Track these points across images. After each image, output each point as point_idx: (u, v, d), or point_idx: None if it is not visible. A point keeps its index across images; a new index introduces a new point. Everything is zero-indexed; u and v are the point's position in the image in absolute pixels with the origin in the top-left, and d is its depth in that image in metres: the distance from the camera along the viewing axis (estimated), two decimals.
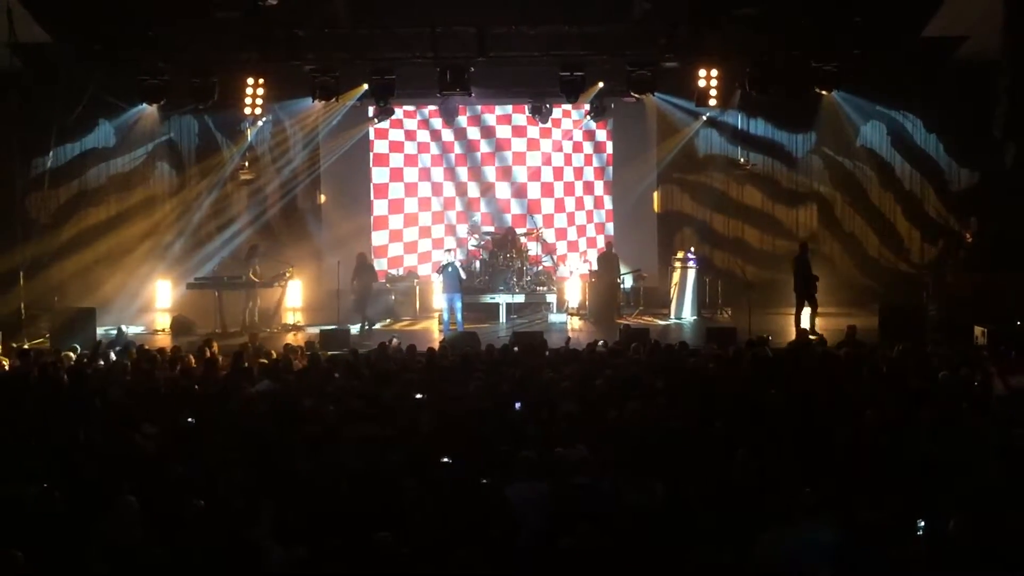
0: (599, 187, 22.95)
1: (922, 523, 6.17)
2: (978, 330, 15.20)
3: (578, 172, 22.97)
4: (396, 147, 22.55)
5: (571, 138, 22.78)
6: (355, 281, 19.16)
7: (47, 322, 18.11)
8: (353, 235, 21.68)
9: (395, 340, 14.79)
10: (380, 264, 22.09)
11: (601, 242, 22.22)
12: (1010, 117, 18.12)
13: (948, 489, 6.71)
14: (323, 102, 19.64)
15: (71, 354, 14.04)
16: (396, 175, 22.60)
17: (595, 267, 20.39)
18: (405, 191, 22.64)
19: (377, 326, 19.57)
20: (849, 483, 6.84)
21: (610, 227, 22.81)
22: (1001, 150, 18.58)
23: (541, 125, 22.26)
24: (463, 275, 19.17)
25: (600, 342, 14.81)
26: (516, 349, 14.08)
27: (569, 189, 22.94)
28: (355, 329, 18.49)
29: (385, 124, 21.91)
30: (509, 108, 22.48)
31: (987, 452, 7.66)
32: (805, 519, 6.18)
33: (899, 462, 7.42)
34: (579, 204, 23.01)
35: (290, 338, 17.78)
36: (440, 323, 19.21)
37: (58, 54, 17.98)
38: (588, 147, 22.93)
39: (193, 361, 13.13)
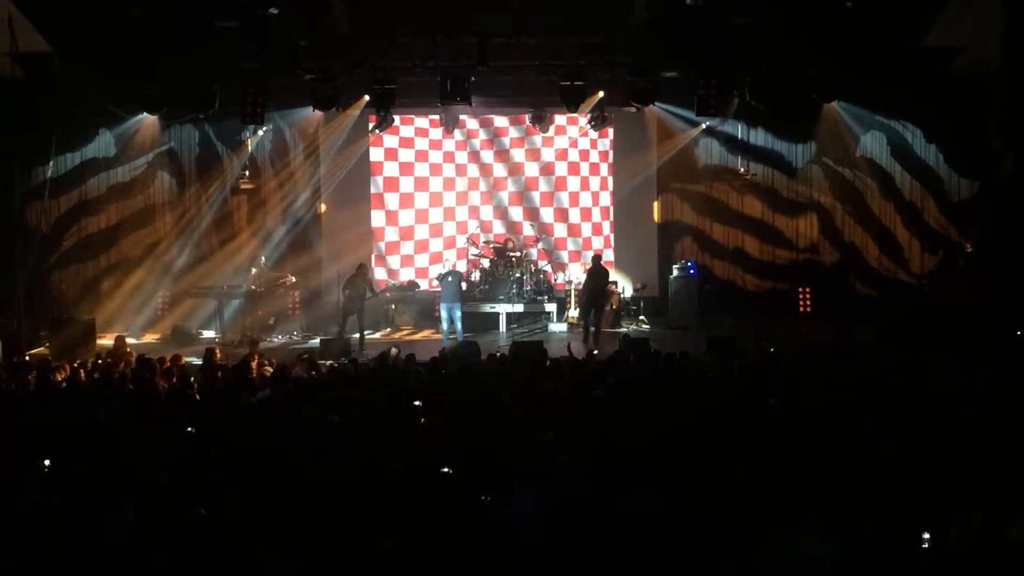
0: (604, 198, 22.91)
1: (927, 536, 6.12)
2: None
3: (584, 182, 22.92)
4: (395, 156, 22.55)
5: (576, 146, 22.76)
6: (346, 290, 19.06)
7: (47, 332, 18.11)
8: (353, 245, 21.69)
9: (394, 349, 14.78)
10: (380, 274, 22.15)
11: (609, 255, 22.31)
12: (1009, 127, 18.14)
13: (953, 501, 6.68)
14: (323, 111, 19.77)
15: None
16: (394, 185, 22.60)
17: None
18: (402, 202, 22.64)
19: (376, 334, 19.63)
20: (852, 494, 6.81)
21: (612, 238, 22.82)
22: (1000, 160, 18.59)
23: (542, 134, 22.32)
24: (463, 286, 19.18)
25: (595, 352, 14.82)
26: (516, 359, 14.06)
27: (574, 200, 22.90)
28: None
29: (385, 134, 21.91)
30: (510, 117, 22.48)
31: (990, 462, 7.63)
32: (807, 530, 6.15)
33: (902, 472, 7.39)
34: (585, 215, 22.94)
35: (291, 347, 17.79)
36: (440, 332, 19.20)
37: (58, 63, 17.98)
38: (590, 157, 22.90)
39: (193, 371, 13.15)
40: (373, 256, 22.32)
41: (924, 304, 18.77)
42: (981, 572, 5.76)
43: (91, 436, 9.00)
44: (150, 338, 19.86)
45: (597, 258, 19.77)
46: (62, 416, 9.91)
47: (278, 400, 10.84)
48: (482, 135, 22.72)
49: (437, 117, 21.96)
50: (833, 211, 22.02)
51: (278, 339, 19.46)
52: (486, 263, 21.32)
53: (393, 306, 21.22)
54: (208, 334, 19.58)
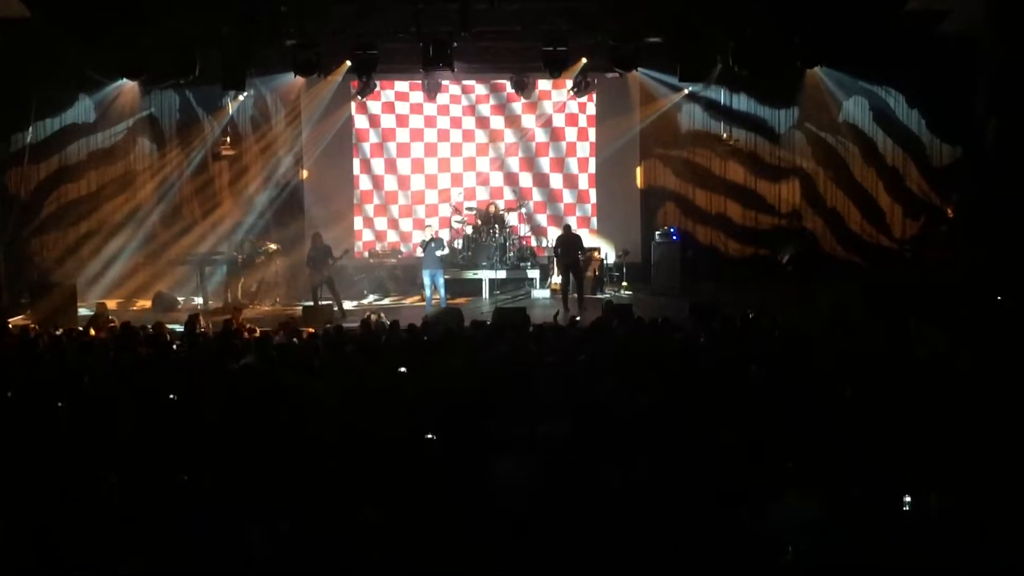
0: (590, 164, 22.81)
1: (908, 499, 6.16)
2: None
3: (570, 148, 22.82)
4: (377, 122, 22.47)
5: (564, 111, 22.66)
6: (309, 263, 18.96)
7: (27, 299, 18.05)
8: (337, 211, 21.72)
9: (374, 315, 14.80)
10: (367, 235, 22.16)
11: (592, 221, 22.38)
12: (992, 92, 18.14)
13: (933, 467, 6.73)
14: (305, 77, 19.68)
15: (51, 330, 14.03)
16: (377, 151, 22.53)
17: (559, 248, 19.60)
18: (385, 167, 22.58)
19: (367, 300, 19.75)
20: (834, 459, 6.85)
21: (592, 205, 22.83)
22: (983, 125, 18.60)
23: (524, 100, 22.24)
24: (445, 252, 19.11)
25: (578, 318, 14.85)
26: (499, 325, 14.06)
27: (557, 165, 22.83)
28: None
29: (368, 99, 21.82)
30: (492, 83, 22.39)
31: (969, 428, 7.67)
32: (789, 494, 6.18)
33: (883, 438, 7.43)
34: (570, 181, 22.86)
35: (273, 314, 17.76)
36: (423, 299, 19.20)
37: (37, 28, 17.82)
38: (578, 122, 22.79)
39: (176, 338, 13.12)
40: (361, 219, 22.33)
41: (906, 269, 18.84)
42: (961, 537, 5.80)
43: (73, 403, 8.97)
44: (132, 305, 19.79)
45: (567, 227, 19.75)
46: (45, 383, 9.88)
47: (261, 367, 10.83)
48: (464, 101, 22.64)
49: (419, 82, 21.86)
50: (816, 176, 22.04)
51: (260, 306, 19.40)
52: (469, 230, 21.32)
53: (376, 272, 21.20)
54: (191, 301, 19.54)
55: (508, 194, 22.48)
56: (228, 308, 18.19)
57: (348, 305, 18.87)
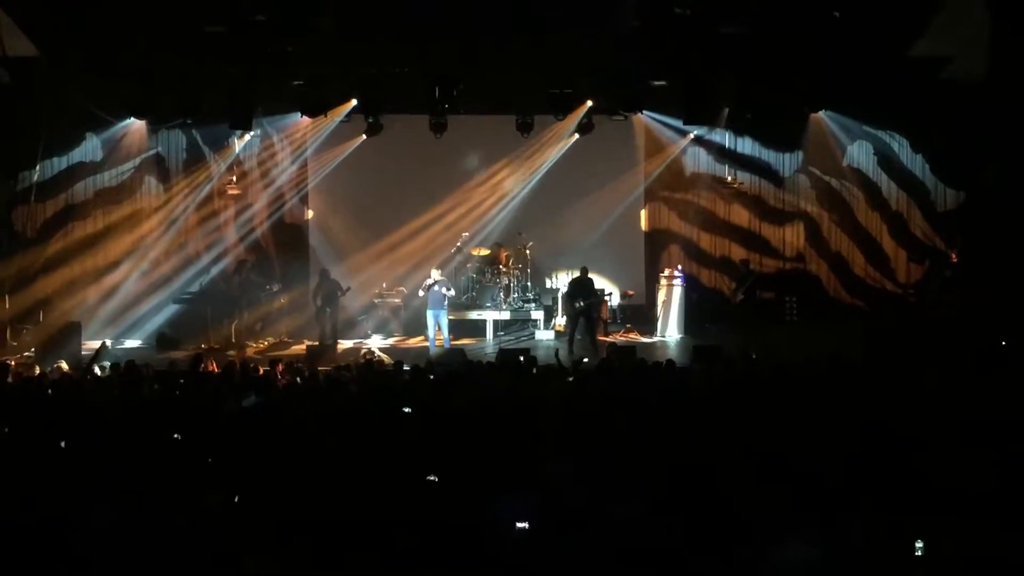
0: (592, 205, 22.76)
1: (920, 544, 6.12)
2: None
3: (573, 188, 22.76)
4: (384, 161, 22.43)
5: (564, 153, 22.65)
6: (316, 299, 19.10)
7: (32, 336, 18.04)
8: (342, 250, 21.71)
9: (370, 354, 14.78)
10: (372, 275, 22.15)
11: (597, 262, 22.30)
12: (995, 137, 18.21)
13: (944, 510, 6.70)
14: (311, 117, 19.76)
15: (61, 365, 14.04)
16: (383, 189, 22.47)
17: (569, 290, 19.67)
18: (392, 206, 22.51)
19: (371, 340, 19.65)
20: (837, 501, 6.82)
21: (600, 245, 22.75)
22: (986, 170, 18.66)
23: (529, 140, 22.20)
24: (451, 293, 19.04)
25: (585, 359, 14.80)
26: (503, 366, 14.03)
27: (563, 205, 22.76)
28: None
29: (373, 138, 21.84)
30: (497, 123, 22.38)
31: (976, 471, 7.65)
32: (790, 537, 6.16)
33: (889, 481, 7.40)
34: (575, 223, 22.73)
35: (276, 353, 17.74)
36: (426, 339, 19.16)
37: (46, 67, 17.94)
38: (577, 165, 22.78)
39: (180, 376, 13.08)
40: (366, 258, 22.28)
41: (910, 313, 18.83)
42: None
43: (79, 441, 8.96)
44: (136, 343, 19.78)
45: (584, 269, 19.72)
46: (50, 421, 9.87)
47: (264, 406, 10.80)
48: (469, 140, 22.62)
49: (425, 121, 21.87)
50: (820, 220, 22.11)
51: (264, 345, 19.38)
52: (474, 271, 21.32)
53: (380, 313, 21.16)
54: (194, 339, 19.51)
55: (513, 234, 22.39)
56: (232, 347, 18.20)
57: (350, 344, 18.90)
